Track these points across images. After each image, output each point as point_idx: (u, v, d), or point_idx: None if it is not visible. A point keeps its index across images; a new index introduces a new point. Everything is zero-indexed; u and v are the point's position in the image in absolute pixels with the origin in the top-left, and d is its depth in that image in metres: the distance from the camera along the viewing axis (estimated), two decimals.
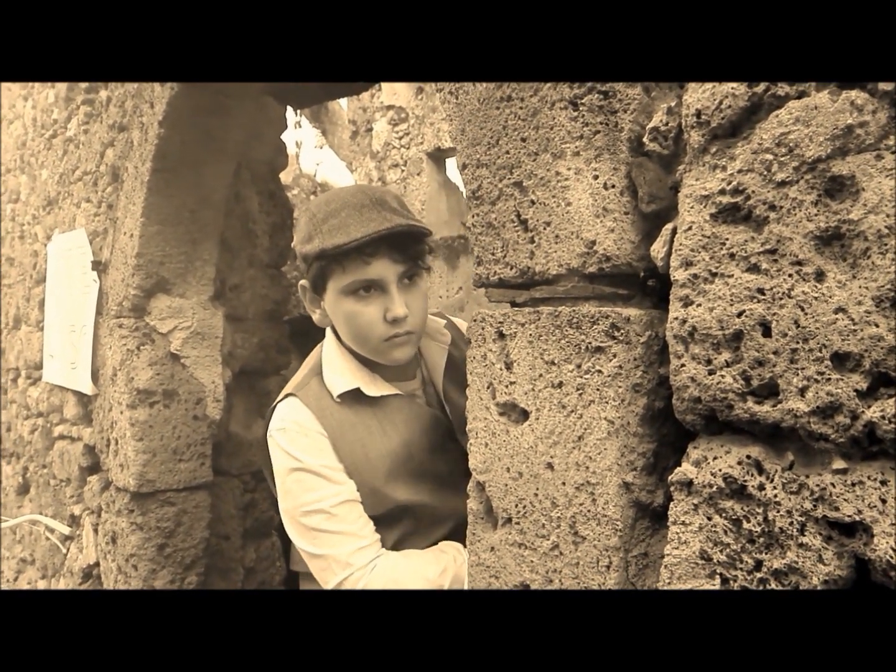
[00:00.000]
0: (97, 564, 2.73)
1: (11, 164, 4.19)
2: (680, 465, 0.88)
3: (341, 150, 8.02)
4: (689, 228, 0.86)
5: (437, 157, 6.18)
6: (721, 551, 0.81)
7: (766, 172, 0.80)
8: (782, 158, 0.78)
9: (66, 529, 3.01)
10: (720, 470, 0.82)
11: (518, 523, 1.03)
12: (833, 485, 0.75)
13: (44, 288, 3.48)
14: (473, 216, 1.13)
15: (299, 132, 6.60)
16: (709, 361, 0.83)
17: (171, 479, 2.33)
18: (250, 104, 2.23)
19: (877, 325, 0.72)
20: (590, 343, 0.94)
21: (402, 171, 6.35)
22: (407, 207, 1.33)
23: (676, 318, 0.86)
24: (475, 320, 1.11)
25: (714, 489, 0.82)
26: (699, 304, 0.84)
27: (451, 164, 6.32)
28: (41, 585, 3.53)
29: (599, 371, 0.93)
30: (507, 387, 1.05)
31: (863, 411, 0.73)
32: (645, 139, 0.94)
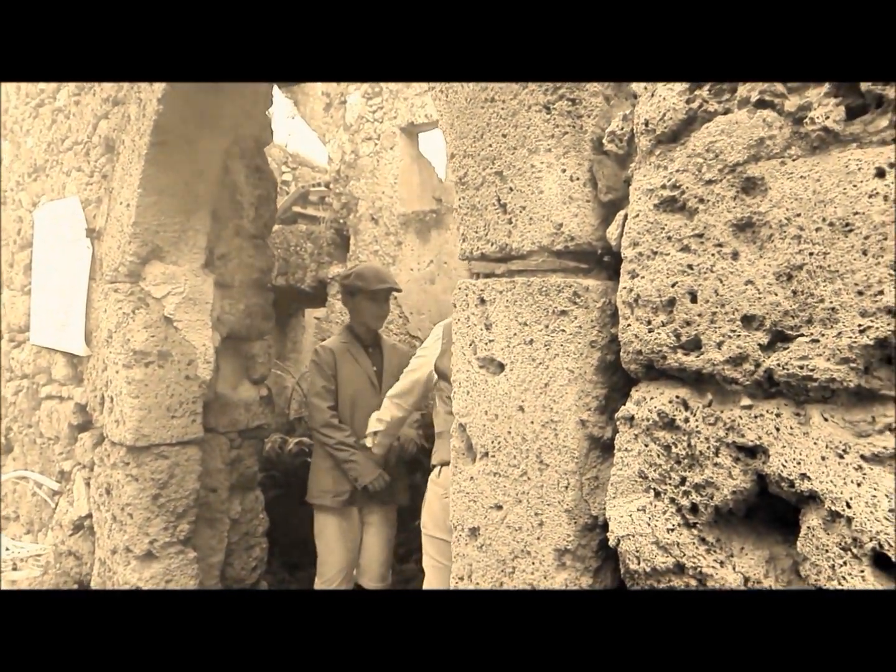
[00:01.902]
0: (89, 516, 2.89)
1: None
2: (625, 405, 1.09)
3: (313, 121, 8.08)
4: (637, 216, 1.06)
5: (411, 131, 6.29)
6: (655, 470, 1.03)
7: (697, 172, 1.01)
8: (710, 162, 0.99)
9: (55, 485, 3.15)
10: (655, 407, 1.04)
11: (493, 456, 1.24)
12: (741, 417, 0.97)
13: (29, 253, 3.57)
14: (460, 199, 1.32)
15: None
16: (649, 322, 1.04)
17: (164, 434, 2.50)
18: (243, 83, 2.37)
19: (776, 294, 0.94)
20: (556, 307, 1.15)
21: (376, 144, 6.46)
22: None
23: (625, 288, 1.07)
24: (460, 288, 1.32)
25: (650, 422, 1.04)
26: (643, 277, 1.05)
27: (424, 139, 6.45)
28: (26, 540, 3.67)
29: (563, 330, 1.14)
30: (486, 344, 1.26)
31: (764, 360, 0.95)
32: (604, 140, 1.14)
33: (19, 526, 3.77)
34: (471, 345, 1.29)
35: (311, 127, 8.30)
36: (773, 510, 1.00)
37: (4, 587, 2.60)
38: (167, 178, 2.42)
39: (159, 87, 2.26)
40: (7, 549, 2.65)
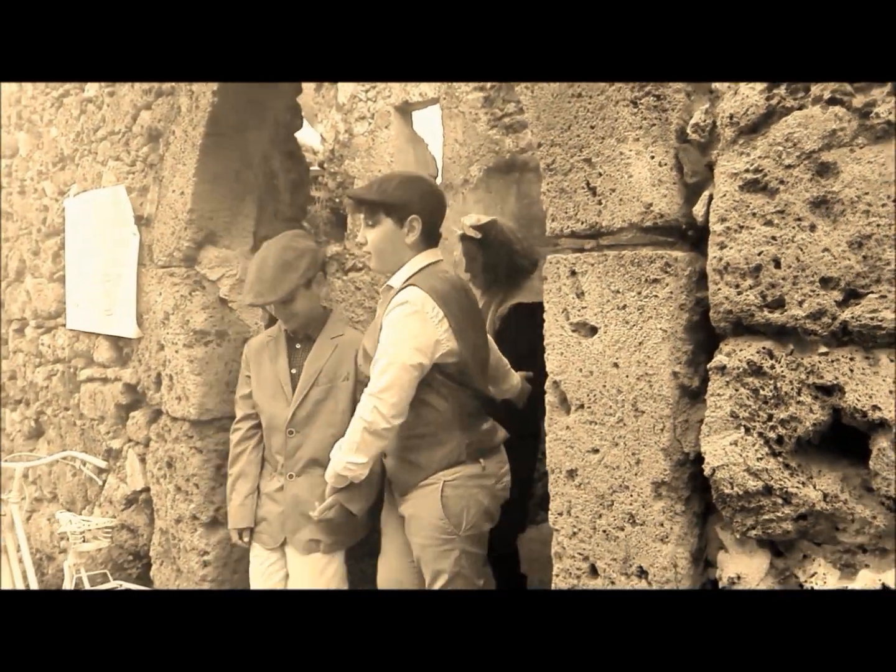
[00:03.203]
0: (144, 490, 3.04)
1: (3, 120, 4.27)
2: (713, 358, 1.29)
3: (303, 99, 8.10)
4: (724, 195, 1.25)
5: (405, 110, 6.40)
6: (745, 410, 1.24)
7: (777, 158, 1.19)
8: (789, 149, 1.18)
9: (102, 463, 3.29)
10: (745, 357, 1.23)
11: (589, 407, 1.44)
12: (819, 362, 1.17)
13: (58, 241, 3.67)
14: (548, 184, 1.50)
15: None
16: (737, 286, 1.24)
17: (225, 408, 2.66)
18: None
19: (849, 259, 1.13)
20: (648, 276, 1.34)
21: (370, 123, 6.56)
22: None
23: (714, 257, 1.26)
24: (550, 262, 1.50)
25: (740, 370, 1.24)
26: (731, 248, 1.24)
27: (418, 118, 6.56)
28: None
29: (656, 296, 1.33)
30: (578, 311, 1.45)
31: (839, 314, 1.15)
32: (688, 130, 1.32)
33: (58, 506, 3.90)
34: (563, 311, 1.48)
35: (303, 106, 8.33)
36: (841, 441, 1.21)
37: (73, 560, 2.76)
38: (219, 167, 2.56)
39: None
40: (70, 522, 2.79)
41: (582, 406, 1.45)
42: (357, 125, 6.66)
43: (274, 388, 2.26)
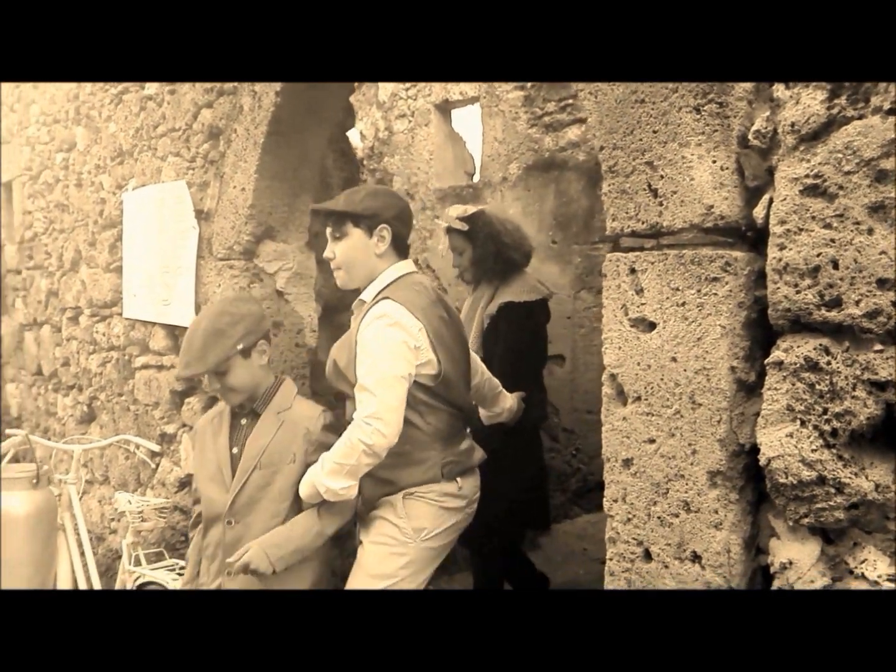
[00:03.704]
0: None
1: (61, 115, 4.43)
2: (769, 354, 1.36)
3: None
4: (784, 199, 1.31)
5: (444, 108, 6.48)
6: (801, 404, 1.30)
7: (837, 165, 1.25)
8: (848, 157, 1.24)
9: (155, 447, 3.42)
10: (802, 354, 1.30)
11: (646, 399, 1.51)
12: (875, 359, 1.23)
13: (114, 233, 3.81)
14: (609, 185, 1.57)
15: None
16: (796, 285, 1.30)
17: None
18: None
19: None
20: (708, 275, 1.40)
21: (410, 121, 6.65)
22: None
23: (774, 258, 1.32)
24: (610, 260, 1.57)
25: (797, 366, 1.30)
26: (790, 249, 1.30)
27: (458, 116, 6.63)
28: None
29: (715, 294, 1.40)
30: (638, 307, 1.52)
31: (894, 314, 1.20)
32: (749, 136, 1.39)
33: (109, 488, 4.06)
34: (622, 307, 1.55)
35: None
36: (893, 434, 1.26)
37: (132, 539, 2.89)
38: (279, 164, 2.66)
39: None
40: (129, 503, 2.92)
41: (639, 398, 1.52)
42: (397, 123, 6.76)
43: (213, 470, 1.97)
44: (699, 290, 1.42)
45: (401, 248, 1.94)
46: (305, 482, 1.83)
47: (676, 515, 1.46)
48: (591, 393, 5.43)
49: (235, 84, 2.72)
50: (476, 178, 6.45)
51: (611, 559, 1.59)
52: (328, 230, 1.93)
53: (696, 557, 1.44)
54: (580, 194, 5.41)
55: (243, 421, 1.99)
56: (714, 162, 1.40)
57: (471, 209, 2.70)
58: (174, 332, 3.29)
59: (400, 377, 1.76)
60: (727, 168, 1.40)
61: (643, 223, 1.51)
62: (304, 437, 1.93)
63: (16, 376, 5.67)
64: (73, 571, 3.06)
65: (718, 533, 1.40)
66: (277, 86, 2.48)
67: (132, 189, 3.55)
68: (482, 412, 2.31)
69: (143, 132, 3.47)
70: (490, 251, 2.60)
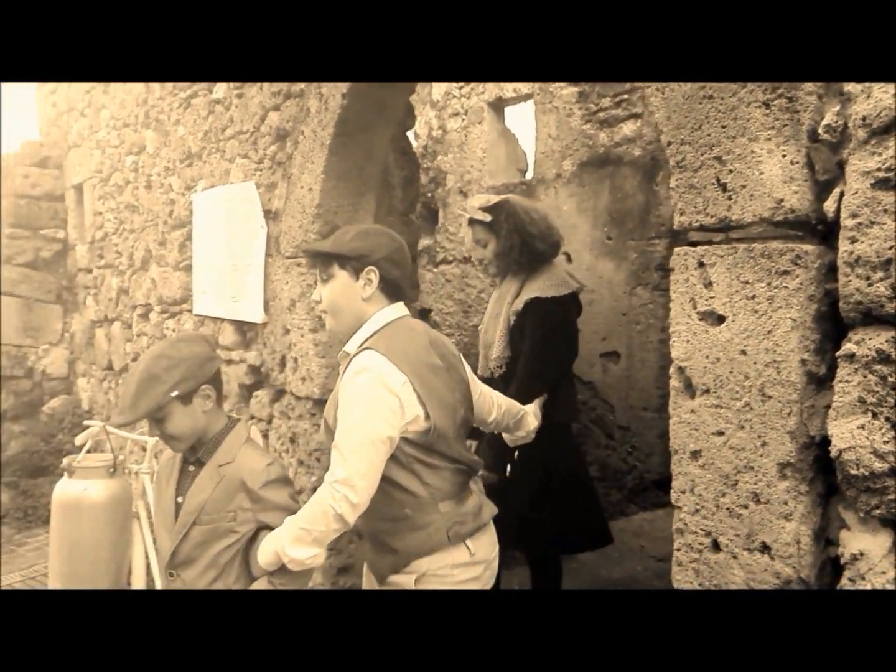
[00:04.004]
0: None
1: (130, 119, 4.62)
2: (840, 347, 1.36)
3: None
4: (855, 192, 1.32)
5: (498, 106, 6.52)
6: (872, 396, 1.31)
7: None
8: None
9: None
10: (874, 346, 1.30)
11: (715, 392, 1.53)
12: None
13: (184, 233, 3.97)
14: (677, 180, 1.59)
15: None
16: (868, 278, 1.31)
17: None
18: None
19: None
20: (778, 268, 1.42)
21: (463, 119, 6.71)
22: None
23: (846, 251, 1.33)
24: (678, 254, 1.59)
25: (869, 358, 1.31)
26: (862, 241, 1.31)
27: (510, 113, 6.66)
28: None
29: (786, 287, 1.41)
30: (706, 300, 1.54)
31: None
32: (819, 131, 1.39)
33: None
34: (690, 301, 1.57)
35: None
36: None
37: None
38: (344, 165, 2.74)
39: (343, 84, 2.56)
40: None
41: (707, 391, 1.54)
42: (450, 121, 6.82)
43: (162, 516, 1.87)
44: (769, 284, 1.43)
45: (392, 290, 1.76)
46: (266, 550, 1.67)
47: (745, 507, 1.48)
48: (646, 390, 5.41)
49: (302, 87, 2.81)
50: (529, 175, 6.47)
51: (678, 550, 1.62)
52: (318, 272, 1.81)
53: (765, 548, 1.45)
54: (636, 190, 5.38)
55: (191, 468, 1.83)
56: (784, 156, 1.42)
57: (494, 199, 2.57)
58: (242, 327, 3.41)
59: (378, 441, 1.59)
60: (797, 162, 1.41)
61: (712, 217, 1.53)
62: (244, 493, 1.74)
63: (86, 371, 5.93)
64: (146, 556, 3.21)
65: (788, 524, 1.42)
66: (343, 88, 2.56)
67: (201, 190, 3.69)
68: (506, 436, 2.19)
69: (212, 135, 3.60)
70: (515, 242, 2.47)
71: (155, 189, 4.32)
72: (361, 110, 2.63)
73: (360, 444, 1.58)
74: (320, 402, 2.83)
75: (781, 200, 1.42)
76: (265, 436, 3.28)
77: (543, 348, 2.42)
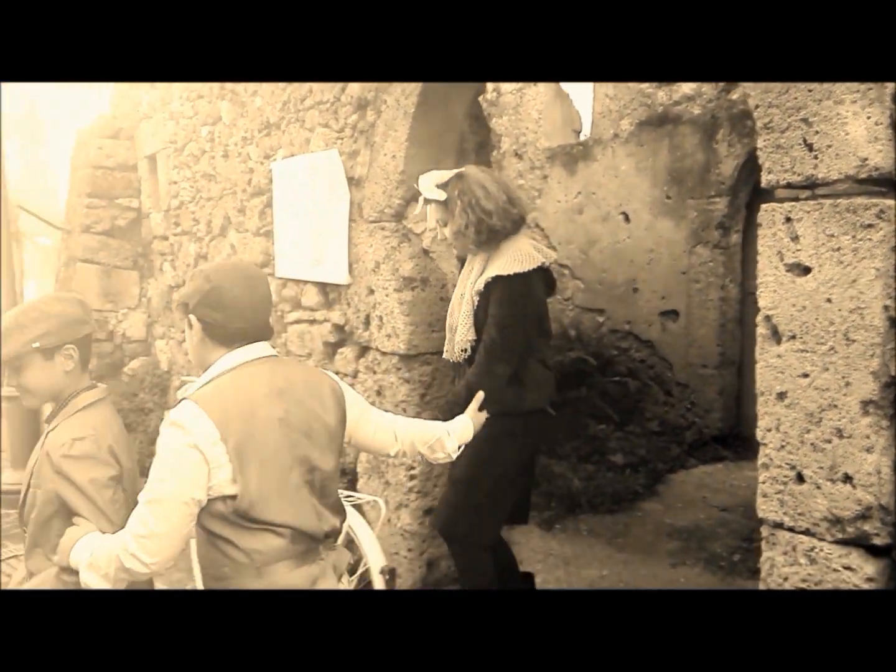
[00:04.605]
0: None
1: (205, 90, 4.82)
2: None
3: None
4: None
5: None
6: None
7: None
8: None
9: None
10: None
11: (801, 338, 1.66)
12: None
13: (263, 200, 4.17)
14: (764, 140, 1.71)
15: None
16: None
17: (428, 344, 3.04)
18: None
19: None
20: (863, 222, 1.54)
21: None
22: None
23: None
24: (765, 210, 1.72)
25: None
26: None
27: None
28: None
29: (870, 239, 1.53)
30: (793, 252, 1.66)
31: None
32: None
33: None
34: (777, 254, 1.70)
35: None
36: None
37: None
38: (426, 132, 2.89)
39: None
40: None
41: (794, 337, 1.68)
42: (505, 84, 6.86)
43: None
44: (854, 236, 1.55)
45: (225, 335, 1.57)
46: (65, 549, 1.59)
47: (829, 441, 1.62)
48: (705, 347, 5.50)
49: None
50: (586, 136, 6.51)
51: (763, 483, 1.77)
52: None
53: (847, 478, 1.60)
54: (695, 148, 5.40)
55: (47, 428, 1.78)
56: (868, 118, 1.52)
57: (447, 174, 2.38)
58: (325, 289, 3.62)
59: (180, 502, 1.45)
60: (881, 123, 1.51)
61: (798, 175, 1.65)
62: (48, 462, 1.66)
63: (165, 333, 6.24)
64: None
65: (870, 456, 1.56)
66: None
67: (280, 159, 3.87)
68: (426, 457, 1.94)
69: (290, 105, 3.77)
70: (470, 220, 2.28)
71: (232, 158, 4.52)
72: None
73: (161, 503, 1.45)
74: (406, 358, 3.03)
75: (866, 159, 1.53)
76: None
77: (505, 328, 2.24)
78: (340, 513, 1.65)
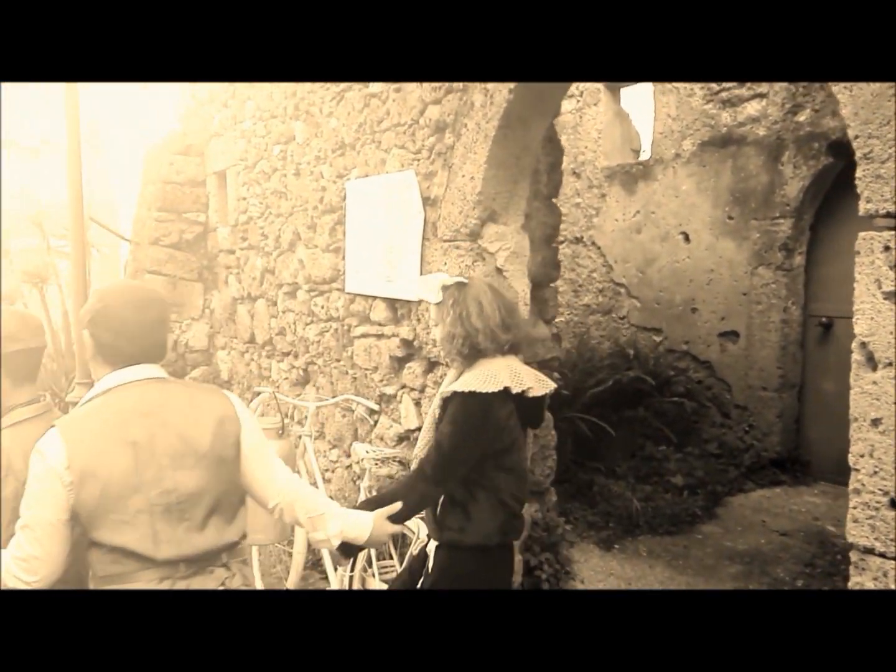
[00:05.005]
0: (418, 429, 3.58)
1: (279, 111, 4.98)
2: None
3: None
4: None
5: (614, 87, 6.58)
6: None
7: None
8: None
9: (375, 406, 3.88)
10: None
11: None
12: None
13: (335, 217, 4.29)
14: (863, 170, 1.74)
15: None
16: None
17: None
18: None
19: None
20: None
21: (578, 101, 6.81)
22: None
23: None
24: (864, 239, 1.74)
25: None
26: None
27: (626, 94, 6.70)
28: (333, 453, 4.49)
29: None
30: (891, 281, 1.68)
31: None
32: None
33: (325, 442, 4.60)
34: (875, 282, 1.72)
35: None
36: None
37: (368, 482, 3.34)
38: (505, 154, 2.96)
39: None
40: (368, 452, 3.37)
41: (890, 364, 1.69)
42: (565, 103, 6.92)
43: None
44: None
45: (111, 354, 1.65)
46: None
47: None
48: (766, 370, 5.45)
49: (465, 83, 3.03)
50: (647, 155, 6.52)
51: (854, 508, 1.78)
52: None
53: None
54: (759, 169, 5.39)
55: None
56: None
57: (450, 281, 2.23)
58: (394, 305, 3.71)
59: (47, 525, 1.52)
60: None
61: None
62: None
63: (226, 344, 6.42)
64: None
65: None
66: (510, 83, 2.77)
67: (354, 178, 3.99)
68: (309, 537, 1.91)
69: (366, 127, 3.88)
70: (457, 332, 2.16)
71: (304, 176, 4.66)
72: (524, 104, 2.83)
73: (31, 528, 1.53)
74: None
75: None
76: (417, 404, 3.57)
77: (443, 447, 2.08)
78: (219, 532, 1.65)
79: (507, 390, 2.06)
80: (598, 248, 6.71)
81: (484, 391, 2.04)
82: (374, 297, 3.86)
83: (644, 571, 3.83)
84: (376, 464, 3.31)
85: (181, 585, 1.59)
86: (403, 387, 3.69)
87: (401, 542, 3.24)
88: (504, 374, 2.09)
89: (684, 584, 3.68)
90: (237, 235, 5.91)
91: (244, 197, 5.70)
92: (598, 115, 6.68)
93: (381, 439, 3.89)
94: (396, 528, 2.00)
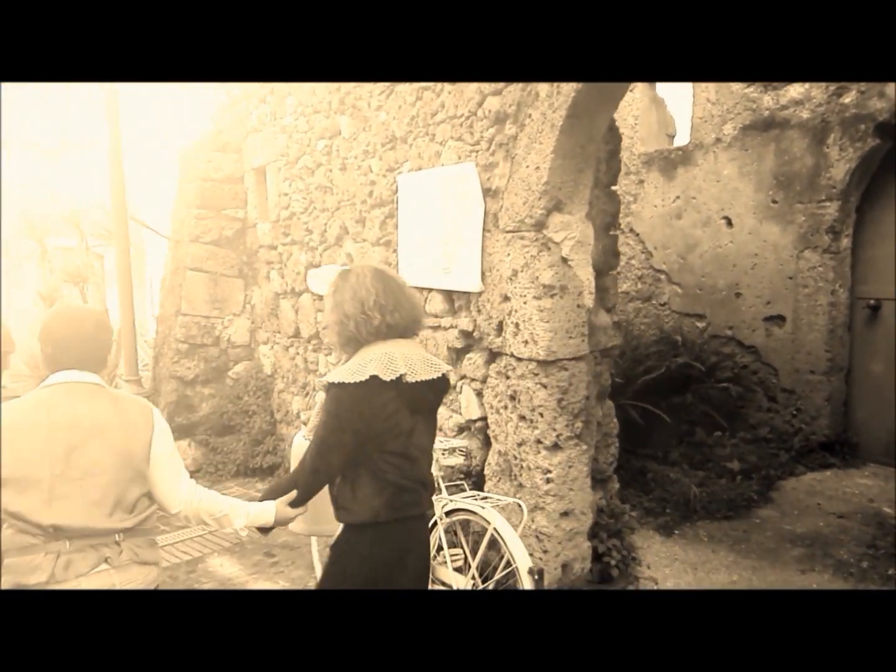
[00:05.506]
0: (480, 419, 3.62)
1: (322, 106, 5.01)
2: None
3: None
4: None
5: None
6: None
7: None
8: None
9: None
10: None
11: None
12: None
13: (384, 211, 4.32)
14: None
15: None
16: None
17: (565, 350, 3.12)
18: None
19: None
20: None
21: None
22: None
23: None
24: None
25: None
26: None
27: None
28: None
29: None
30: None
31: None
32: None
33: None
34: None
35: None
36: None
37: (437, 473, 3.38)
38: (571, 144, 2.98)
39: None
40: (437, 442, 3.41)
41: None
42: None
43: None
44: None
45: (55, 360, 1.99)
46: None
47: None
48: (814, 353, 5.43)
49: None
50: (683, 140, 6.49)
51: None
52: None
53: None
54: (804, 152, 5.35)
55: None
56: None
57: (336, 269, 2.24)
58: (451, 296, 3.74)
59: None
60: None
61: None
62: None
63: (269, 339, 6.49)
64: None
65: None
66: None
67: (406, 171, 4.02)
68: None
69: (419, 120, 3.90)
70: (332, 320, 2.19)
71: (351, 171, 4.69)
72: (590, 94, 2.84)
73: None
74: (543, 363, 3.11)
75: None
76: (478, 394, 3.60)
77: (317, 435, 2.12)
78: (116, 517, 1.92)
79: (375, 378, 2.03)
80: (637, 234, 6.69)
81: (349, 381, 2.03)
82: (430, 290, 3.89)
83: (708, 556, 3.85)
84: (443, 454, 3.35)
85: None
86: (463, 377, 3.72)
87: (468, 529, 3.28)
88: (375, 362, 2.05)
89: (749, 567, 3.70)
90: (279, 231, 5.96)
91: (286, 193, 5.75)
92: (635, 101, 6.65)
93: (440, 430, 3.93)
94: (299, 511, 2.19)
